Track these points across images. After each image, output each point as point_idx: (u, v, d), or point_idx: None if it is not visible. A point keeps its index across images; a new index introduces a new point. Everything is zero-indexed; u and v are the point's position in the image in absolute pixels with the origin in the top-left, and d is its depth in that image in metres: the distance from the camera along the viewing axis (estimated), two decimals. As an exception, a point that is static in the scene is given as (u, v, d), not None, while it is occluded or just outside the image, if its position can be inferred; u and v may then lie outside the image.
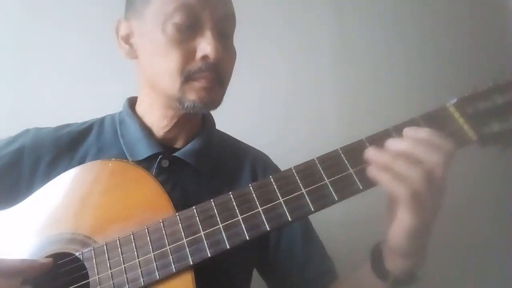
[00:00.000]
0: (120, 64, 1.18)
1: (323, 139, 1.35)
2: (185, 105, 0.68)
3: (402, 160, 0.51)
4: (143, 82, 0.75)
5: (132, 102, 0.80)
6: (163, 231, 0.56)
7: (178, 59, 0.66)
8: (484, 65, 1.37)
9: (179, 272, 0.54)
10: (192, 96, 0.68)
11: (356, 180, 0.55)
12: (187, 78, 0.67)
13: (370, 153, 0.53)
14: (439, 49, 1.48)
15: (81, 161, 0.71)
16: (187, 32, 0.66)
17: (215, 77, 0.68)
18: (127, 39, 0.74)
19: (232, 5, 0.73)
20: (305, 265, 0.75)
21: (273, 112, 1.36)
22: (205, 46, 0.66)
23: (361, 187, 0.55)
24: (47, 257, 0.58)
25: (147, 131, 0.74)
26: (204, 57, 0.66)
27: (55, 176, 0.66)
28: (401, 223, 0.52)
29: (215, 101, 0.71)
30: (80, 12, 1.24)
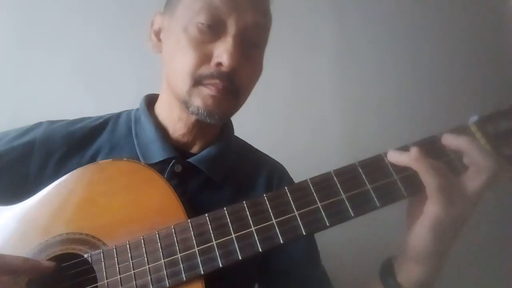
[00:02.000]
0: (122, 63, 1.18)
1: (325, 141, 1.35)
2: (190, 109, 0.66)
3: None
4: (164, 79, 0.73)
5: (149, 100, 0.78)
6: (174, 237, 0.55)
7: (192, 61, 0.63)
8: (486, 65, 1.36)
9: (189, 281, 0.53)
10: (197, 102, 0.65)
11: (374, 196, 0.54)
12: (197, 81, 0.64)
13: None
14: (440, 50, 1.47)
15: (92, 159, 0.69)
16: (208, 33, 0.64)
17: (227, 86, 0.64)
18: (158, 34, 0.72)
19: (266, 14, 0.69)
20: (304, 283, 0.73)
21: (274, 114, 1.36)
22: (222, 53, 0.62)
23: (378, 204, 0.54)
24: (54, 257, 0.57)
25: (163, 132, 0.72)
26: (218, 64, 0.63)
27: (64, 173, 0.64)
28: (427, 216, 0.52)
29: (224, 112, 0.67)
30: (82, 10, 1.23)
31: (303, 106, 1.40)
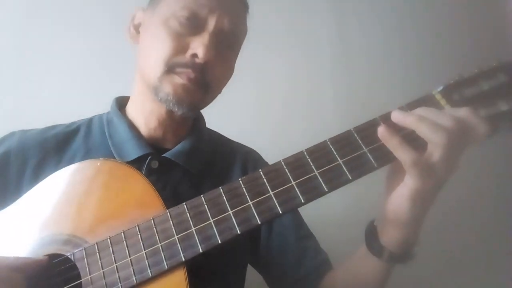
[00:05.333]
0: (119, 63, 1.19)
1: (322, 139, 1.35)
2: (159, 96, 0.68)
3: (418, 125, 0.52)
4: (138, 71, 0.75)
5: (120, 102, 0.80)
6: (154, 228, 0.56)
7: (168, 49, 0.67)
8: (483, 63, 1.37)
9: (171, 269, 0.54)
10: (167, 88, 0.67)
11: (345, 170, 0.55)
12: (170, 69, 0.67)
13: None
14: (441, 49, 1.48)
15: (69, 163, 0.69)
16: (188, 27, 0.67)
17: (198, 78, 0.67)
18: (137, 28, 0.75)
19: (242, 27, 0.74)
20: (299, 260, 0.75)
21: (271, 112, 1.36)
22: (198, 45, 0.66)
23: (350, 177, 0.55)
24: (39, 258, 0.57)
25: (136, 131, 0.74)
26: (193, 55, 0.67)
27: (42, 179, 0.65)
28: (407, 188, 0.52)
29: (192, 103, 0.70)
30: (80, 11, 1.24)
31: (302, 105, 1.41)
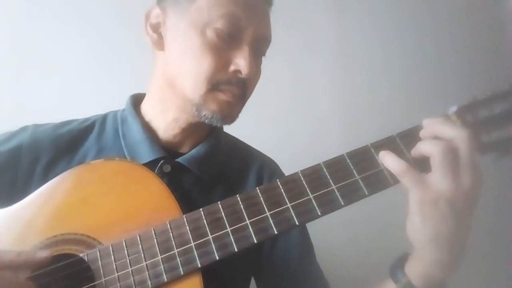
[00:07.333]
0: (121, 61, 1.18)
1: (325, 141, 1.36)
2: (203, 113, 0.66)
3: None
4: (161, 78, 0.71)
5: (136, 100, 0.77)
6: (170, 233, 0.56)
7: (210, 66, 0.64)
8: (482, 69, 1.38)
9: (187, 275, 0.54)
10: (213, 107, 0.66)
11: (362, 185, 0.56)
12: (213, 87, 0.65)
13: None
14: (442, 49, 1.49)
15: (81, 162, 0.68)
16: (227, 40, 0.65)
17: (241, 93, 0.67)
18: (156, 28, 0.70)
19: (270, 29, 0.72)
20: (297, 282, 0.73)
21: (274, 114, 1.36)
22: (241, 61, 0.64)
23: (366, 193, 0.56)
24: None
25: (150, 132, 0.72)
26: (237, 71, 0.65)
27: (52, 177, 0.63)
28: (410, 202, 0.53)
29: (234, 116, 0.70)
30: (81, 9, 1.23)
31: (303, 106, 1.41)
